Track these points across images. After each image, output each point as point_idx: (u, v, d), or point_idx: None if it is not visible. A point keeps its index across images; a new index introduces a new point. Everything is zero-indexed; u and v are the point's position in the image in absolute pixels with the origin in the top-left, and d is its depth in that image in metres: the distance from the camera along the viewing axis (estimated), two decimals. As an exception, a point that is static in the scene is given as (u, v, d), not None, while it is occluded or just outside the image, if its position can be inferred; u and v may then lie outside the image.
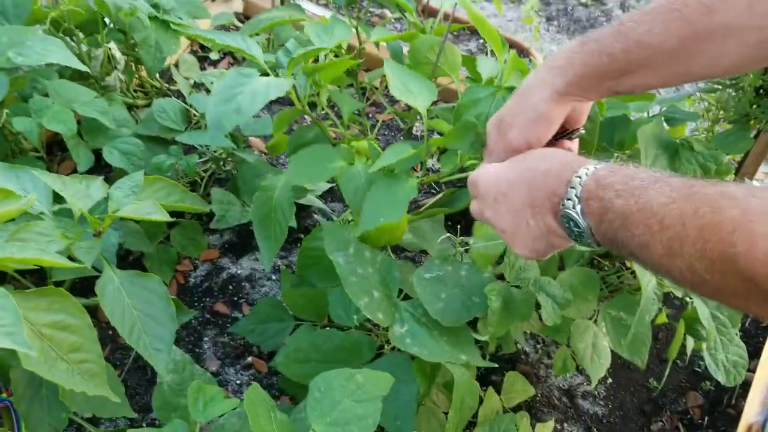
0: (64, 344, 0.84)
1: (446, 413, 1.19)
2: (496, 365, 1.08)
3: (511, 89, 1.25)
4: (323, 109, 1.43)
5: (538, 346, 1.53)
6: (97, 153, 1.45)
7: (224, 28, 2.01)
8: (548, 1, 3.09)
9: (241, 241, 1.67)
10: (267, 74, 1.18)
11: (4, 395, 0.98)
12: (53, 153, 1.68)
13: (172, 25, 1.57)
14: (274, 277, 1.60)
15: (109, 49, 1.55)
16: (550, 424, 1.20)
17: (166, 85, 1.85)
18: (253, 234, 1.59)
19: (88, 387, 0.84)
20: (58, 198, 1.07)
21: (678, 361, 1.51)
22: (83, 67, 1.32)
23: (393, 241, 1.17)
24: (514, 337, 1.32)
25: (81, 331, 0.85)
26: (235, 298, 1.55)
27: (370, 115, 2.02)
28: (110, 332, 1.40)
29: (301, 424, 0.97)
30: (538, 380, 1.45)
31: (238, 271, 1.60)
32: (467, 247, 1.19)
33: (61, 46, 1.32)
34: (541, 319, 1.41)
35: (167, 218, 0.98)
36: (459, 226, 1.29)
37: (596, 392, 1.46)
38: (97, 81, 1.57)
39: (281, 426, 0.93)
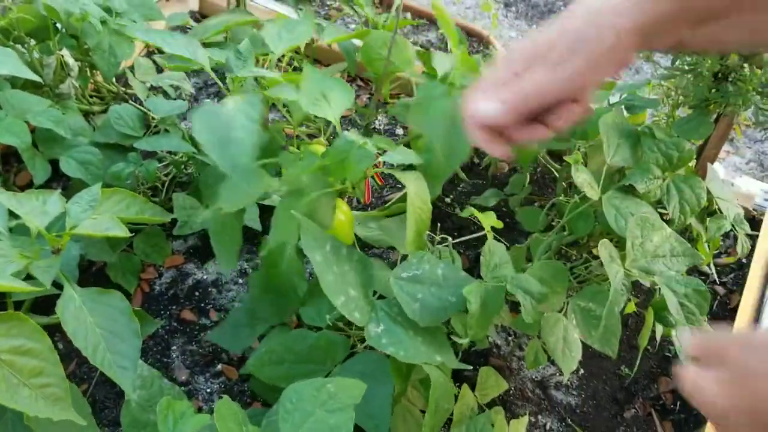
0: (26, 369, 0.81)
1: (423, 411, 1.19)
2: (470, 367, 1.08)
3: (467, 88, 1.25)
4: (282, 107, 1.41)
5: (510, 338, 1.54)
6: (54, 163, 1.41)
7: (180, 28, 1.97)
8: (507, -12, 3.09)
9: (206, 245, 1.64)
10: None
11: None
12: (9, 164, 1.63)
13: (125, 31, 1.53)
14: (240, 281, 1.58)
15: (62, 56, 1.50)
16: (525, 419, 1.21)
17: (123, 90, 1.80)
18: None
19: (52, 412, 0.81)
20: (13, 214, 1.04)
21: (648, 348, 1.53)
22: (35, 77, 1.28)
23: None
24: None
25: (42, 355, 0.83)
26: (202, 305, 1.52)
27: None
28: (75, 346, 1.37)
29: (275, 433, 0.96)
30: (511, 373, 1.45)
31: (204, 277, 1.58)
32: (445, 244, 1.19)
33: (12, 56, 1.28)
34: (511, 311, 1.42)
35: (126, 234, 0.96)
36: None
37: (569, 382, 1.47)
38: (51, 89, 1.52)
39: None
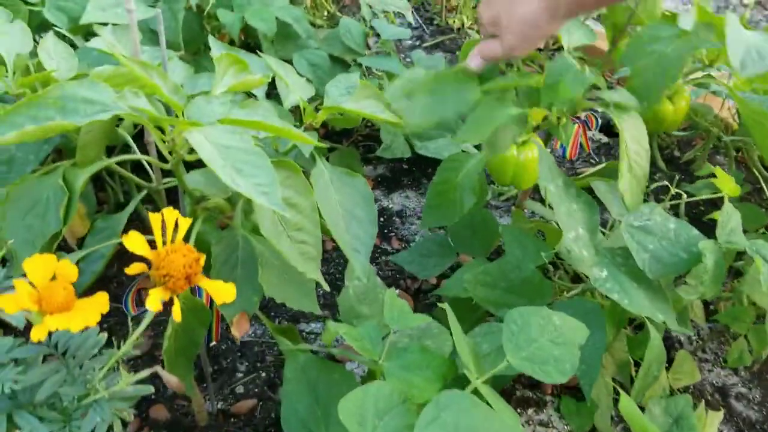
0: (291, 222, 0.83)
1: (614, 379, 1.14)
2: (690, 331, 1.02)
3: (701, 42, 1.18)
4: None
5: (693, 338, 1.45)
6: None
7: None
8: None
9: (393, 177, 1.65)
10: None
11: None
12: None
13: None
14: (424, 218, 1.57)
15: (307, -41, 1.53)
16: (720, 414, 1.13)
17: (339, 14, 1.83)
18: (405, 171, 1.57)
19: (305, 267, 0.83)
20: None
21: None
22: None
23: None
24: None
25: (306, 212, 0.84)
26: (386, 231, 1.53)
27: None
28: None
29: (485, 347, 0.95)
30: (692, 371, 1.37)
31: (389, 205, 1.58)
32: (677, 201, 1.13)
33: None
34: (705, 307, 1.34)
35: (387, 119, 0.96)
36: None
37: (751, 395, 1.37)
38: (287, -8, 1.56)
39: (474, 352, 0.91)
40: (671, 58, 1.17)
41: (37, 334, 0.60)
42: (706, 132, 1.70)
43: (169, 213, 0.65)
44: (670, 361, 1.24)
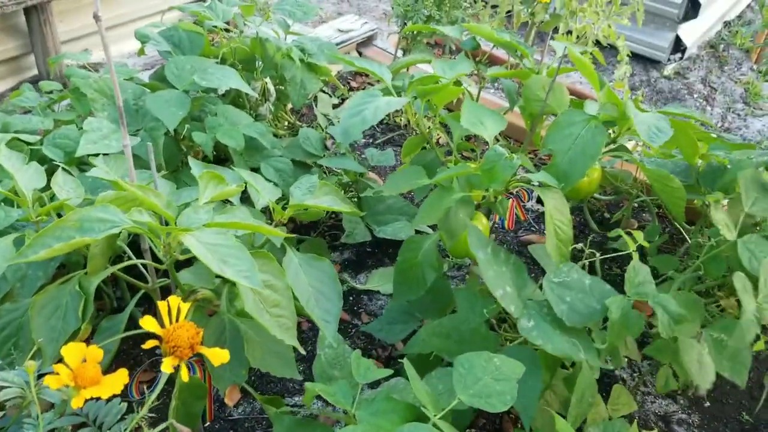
0: (269, 300, 1.02)
1: (558, 413, 1.31)
2: (611, 367, 1.20)
3: (607, 123, 1.43)
4: (436, 131, 1.61)
5: (635, 374, 1.64)
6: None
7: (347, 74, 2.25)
8: (632, 72, 3.27)
9: (359, 260, 1.85)
10: (391, 95, 1.40)
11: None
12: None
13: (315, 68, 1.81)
14: (389, 293, 1.76)
15: (266, 82, 1.78)
16: (655, 433, 1.30)
17: (299, 123, 2.08)
18: (369, 254, 1.78)
19: (284, 337, 1.01)
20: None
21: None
22: (252, 93, 1.55)
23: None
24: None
25: (281, 291, 1.03)
26: (355, 308, 1.71)
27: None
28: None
29: (440, 387, 1.12)
30: (636, 404, 1.55)
31: (357, 285, 1.77)
32: (591, 259, 1.34)
33: (236, 75, 1.56)
34: (639, 347, 1.53)
35: (345, 210, 1.17)
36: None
37: (691, 421, 1.54)
38: (251, 109, 1.80)
39: (431, 393, 1.08)
40: (587, 139, 1.41)
41: (76, 403, 0.77)
42: (628, 194, 1.94)
43: (174, 300, 0.84)
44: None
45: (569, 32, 2.23)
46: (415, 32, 2.24)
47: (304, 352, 1.02)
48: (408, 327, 1.49)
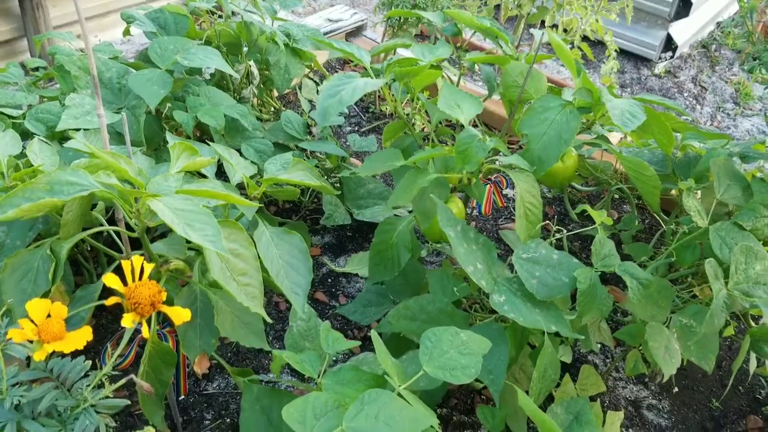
0: (236, 268, 1.03)
1: (527, 391, 1.33)
2: (582, 336, 1.22)
3: (582, 108, 1.45)
4: (417, 117, 1.63)
5: (608, 360, 1.65)
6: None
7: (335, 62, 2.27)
8: (623, 70, 3.29)
9: (339, 243, 1.86)
10: (369, 77, 1.41)
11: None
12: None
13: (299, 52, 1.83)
14: (366, 277, 1.78)
15: (250, 65, 1.80)
16: (620, 414, 1.32)
17: (284, 108, 2.10)
18: (348, 238, 1.80)
19: (251, 305, 1.03)
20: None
21: (740, 387, 1.61)
22: (235, 74, 1.57)
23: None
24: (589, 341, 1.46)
25: (249, 261, 1.05)
26: (333, 290, 1.73)
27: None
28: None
29: (411, 368, 1.14)
30: (607, 390, 1.57)
31: (336, 268, 1.79)
32: (559, 236, 1.35)
33: (218, 55, 1.58)
34: (612, 332, 1.55)
35: (316, 184, 1.18)
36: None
37: (661, 406, 1.56)
38: (235, 92, 1.82)
39: (397, 365, 1.10)
40: (561, 123, 1.44)
41: (38, 356, 0.79)
42: (608, 184, 1.96)
43: (137, 259, 0.86)
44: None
45: (555, 26, 2.25)
46: (401, 22, 2.26)
47: (270, 321, 1.04)
48: (381, 309, 1.51)
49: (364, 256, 1.81)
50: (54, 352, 0.81)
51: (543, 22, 2.34)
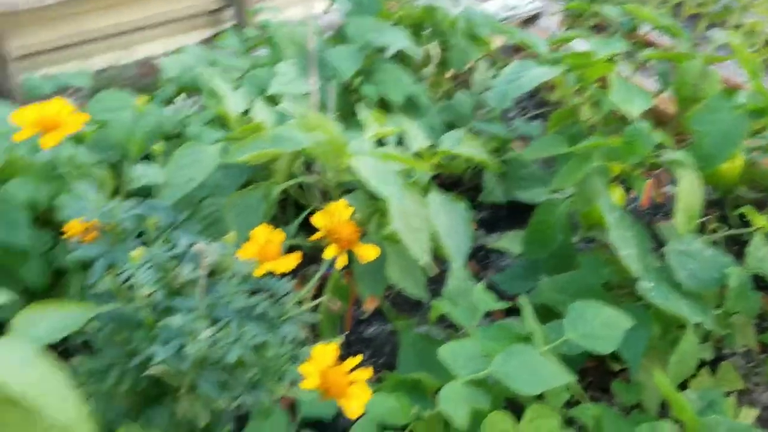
0: (412, 225, 1.21)
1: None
2: (727, 330, 1.28)
3: (757, 110, 1.46)
4: (584, 107, 1.71)
5: (749, 364, 1.67)
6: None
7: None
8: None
9: (493, 221, 1.99)
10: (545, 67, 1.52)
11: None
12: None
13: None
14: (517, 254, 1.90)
15: (430, 47, 1.96)
16: (755, 411, 1.36)
17: (455, 89, 2.24)
18: (502, 217, 1.93)
19: (421, 256, 1.20)
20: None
21: None
22: (418, 54, 1.73)
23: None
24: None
25: (422, 219, 1.23)
26: (484, 262, 1.87)
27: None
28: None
29: (553, 334, 1.26)
30: (745, 391, 1.58)
31: (488, 243, 1.92)
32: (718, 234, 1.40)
33: (406, 37, 1.75)
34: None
35: (484, 160, 1.32)
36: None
37: (801, 418, 1.56)
38: (414, 71, 1.99)
39: (542, 328, 1.23)
40: (730, 124, 1.48)
41: (258, 273, 1.00)
42: (776, 192, 1.93)
43: (342, 202, 1.04)
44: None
45: (738, 26, 2.21)
46: (579, 14, 2.32)
47: (437, 270, 1.20)
48: (527, 284, 1.62)
49: (516, 235, 1.92)
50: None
51: (725, 22, 2.30)
